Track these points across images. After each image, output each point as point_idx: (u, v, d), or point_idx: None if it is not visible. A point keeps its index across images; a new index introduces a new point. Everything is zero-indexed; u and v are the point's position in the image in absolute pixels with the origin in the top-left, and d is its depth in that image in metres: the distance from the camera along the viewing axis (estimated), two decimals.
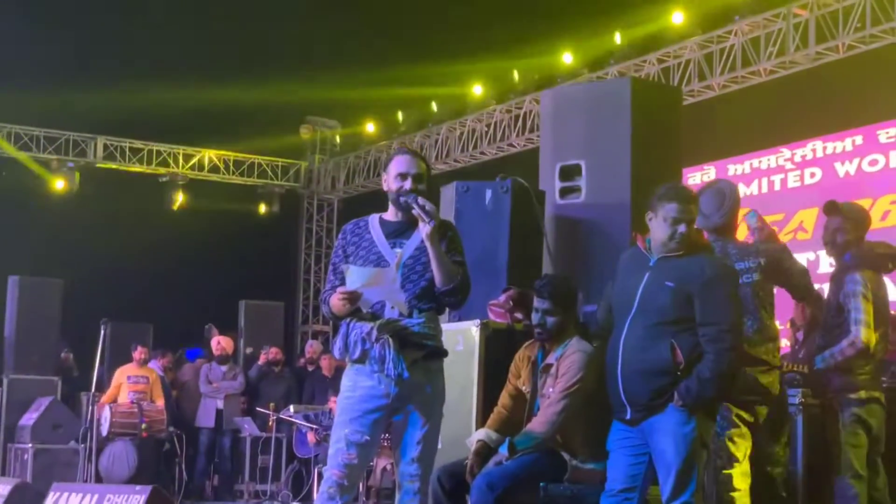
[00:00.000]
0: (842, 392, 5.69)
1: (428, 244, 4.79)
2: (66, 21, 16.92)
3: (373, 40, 17.16)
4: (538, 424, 5.31)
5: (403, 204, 4.87)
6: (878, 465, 5.78)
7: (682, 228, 4.78)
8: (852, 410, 5.68)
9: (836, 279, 5.81)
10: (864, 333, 5.60)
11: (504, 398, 5.61)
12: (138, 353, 12.73)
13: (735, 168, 14.37)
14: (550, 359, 5.40)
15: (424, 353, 4.84)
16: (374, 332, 4.77)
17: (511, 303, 5.96)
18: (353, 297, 4.75)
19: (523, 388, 5.54)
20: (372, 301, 4.82)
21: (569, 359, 5.32)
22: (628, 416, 4.86)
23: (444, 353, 4.97)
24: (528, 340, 5.64)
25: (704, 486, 5.67)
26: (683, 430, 4.71)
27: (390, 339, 4.75)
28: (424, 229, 4.76)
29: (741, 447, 5.44)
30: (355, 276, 4.77)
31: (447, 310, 5.97)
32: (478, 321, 5.86)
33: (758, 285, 5.53)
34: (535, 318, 5.44)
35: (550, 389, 5.35)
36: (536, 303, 5.44)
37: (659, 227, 4.84)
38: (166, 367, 13.31)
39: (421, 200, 4.79)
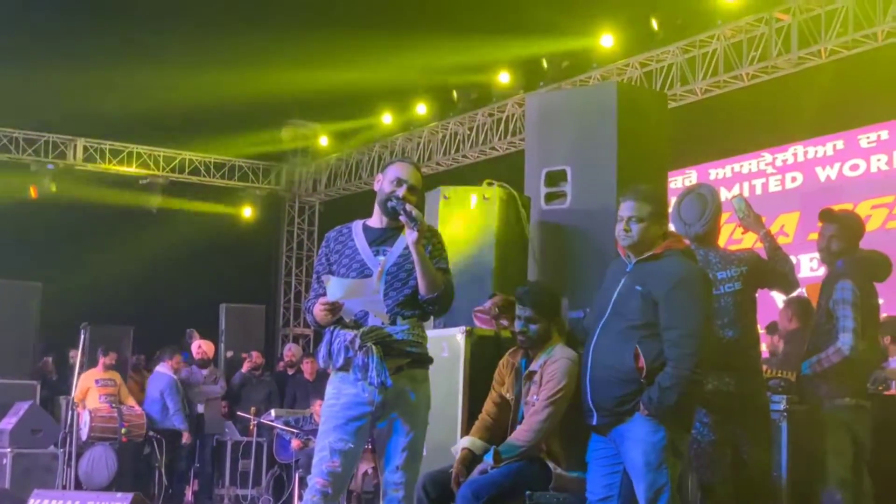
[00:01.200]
0: (828, 398, 5.69)
1: (413, 251, 4.78)
2: (46, 21, 16.79)
3: (353, 43, 17.09)
4: (523, 433, 5.30)
5: (391, 209, 4.87)
6: (863, 472, 5.77)
7: (632, 226, 4.81)
8: (838, 417, 5.67)
9: (828, 285, 5.81)
10: (852, 341, 5.60)
11: (488, 405, 5.59)
12: (108, 358, 12.66)
13: (716, 172, 14.42)
14: (534, 366, 5.39)
15: (409, 360, 4.84)
16: (358, 340, 4.78)
17: (497, 309, 5.93)
18: (334, 308, 4.77)
19: (507, 395, 5.52)
20: (354, 311, 4.83)
21: (553, 366, 5.30)
22: (595, 422, 4.87)
23: (429, 361, 4.98)
24: (513, 347, 5.62)
25: (687, 493, 5.68)
26: (652, 439, 4.70)
27: (373, 347, 4.75)
28: (411, 236, 4.76)
29: (721, 454, 5.42)
30: (335, 287, 4.79)
31: (432, 317, 5.99)
32: (463, 328, 5.83)
33: (740, 294, 5.53)
34: (517, 325, 5.43)
35: (535, 397, 5.33)
36: (518, 310, 5.43)
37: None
38: (175, 367, 13.15)
39: (409, 207, 4.78)
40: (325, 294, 4.83)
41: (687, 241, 5.65)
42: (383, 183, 4.96)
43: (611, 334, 4.81)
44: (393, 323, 4.83)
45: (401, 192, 4.86)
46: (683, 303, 4.70)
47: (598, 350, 4.85)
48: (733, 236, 11.15)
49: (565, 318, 5.83)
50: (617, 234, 4.91)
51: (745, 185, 13.97)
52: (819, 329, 5.81)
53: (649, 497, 4.70)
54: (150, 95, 17.11)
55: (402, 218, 4.77)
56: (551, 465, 5.30)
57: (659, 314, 4.70)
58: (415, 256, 4.78)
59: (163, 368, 12.51)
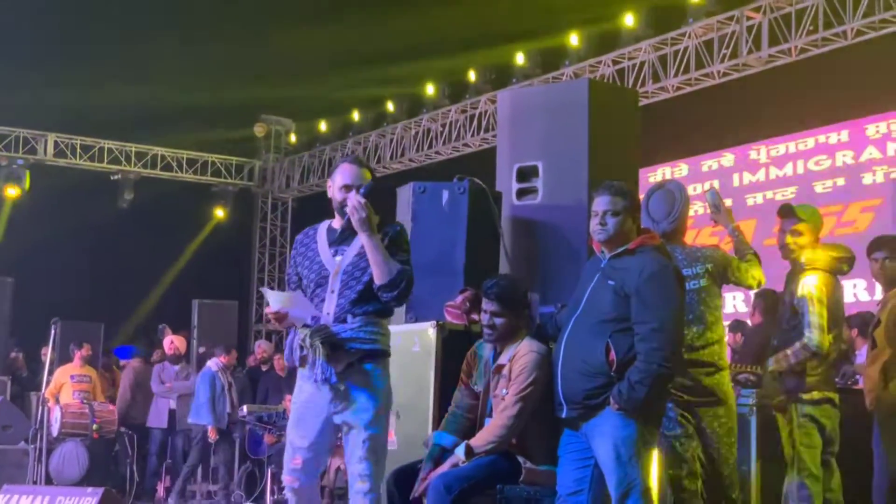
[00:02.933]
0: (796, 393, 5.73)
1: (362, 237, 4.87)
2: (15, 18, 16.69)
3: (327, 39, 17.08)
4: (494, 428, 5.31)
5: (346, 214, 4.95)
6: (832, 466, 5.83)
7: (607, 220, 4.84)
8: (806, 411, 5.72)
9: (792, 281, 5.85)
10: (818, 336, 5.65)
11: (457, 398, 5.60)
12: (84, 350, 12.59)
13: (686, 168, 14.53)
14: (503, 359, 5.40)
15: (359, 356, 4.91)
16: (308, 339, 4.91)
17: (468, 304, 5.93)
18: (278, 318, 4.94)
19: (475, 387, 5.54)
20: (306, 319, 4.98)
21: (521, 360, 5.32)
22: (564, 415, 4.88)
23: (384, 355, 5.01)
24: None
25: (664, 486, 5.71)
26: (622, 434, 4.72)
27: (320, 346, 4.87)
28: (354, 220, 4.85)
29: (688, 448, 5.47)
30: (272, 300, 5.00)
31: (402, 311, 6.03)
32: (434, 322, 5.85)
33: (704, 291, 5.58)
34: (483, 319, 5.46)
35: (504, 391, 5.35)
36: (484, 304, 5.45)
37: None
38: (226, 363, 13.03)
39: (353, 204, 4.85)
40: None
41: (658, 237, 5.72)
42: (333, 190, 5.04)
43: (583, 328, 4.84)
44: (343, 321, 4.92)
45: (352, 197, 4.91)
46: (655, 297, 4.72)
47: (569, 344, 4.88)
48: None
49: (536, 312, 5.86)
50: (592, 230, 4.93)
51: (716, 182, 14.07)
52: (785, 325, 5.85)
53: (621, 491, 4.72)
54: (121, 91, 17.05)
55: (348, 208, 4.87)
56: (521, 459, 5.32)
57: (631, 308, 4.73)
58: (365, 244, 4.88)
59: (211, 363, 12.39)
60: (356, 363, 4.90)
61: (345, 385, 4.90)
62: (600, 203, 4.90)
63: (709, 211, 6.14)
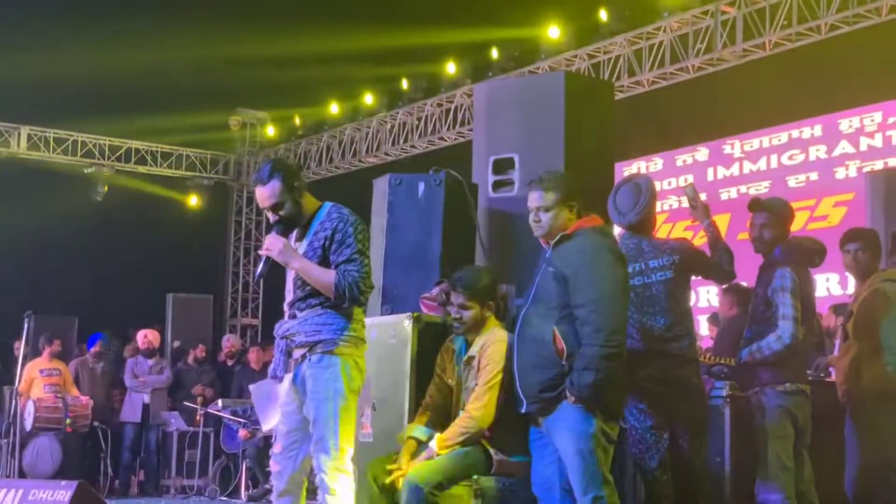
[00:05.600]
0: (769, 385, 5.75)
1: (292, 268, 4.99)
2: None
3: (302, 31, 17.03)
4: (464, 419, 5.34)
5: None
6: (803, 458, 5.85)
7: (540, 216, 4.88)
8: (779, 403, 5.75)
9: (765, 273, 5.88)
10: (792, 328, 5.67)
11: (431, 391, 5.63)
12: (54, 346, 12.54)
13: (661, 162, 14.59)
14: (472, 351, 5.44)
15: (308, 348, 4.96)
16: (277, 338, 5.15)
17: (444, 296, 5.95)
18: None
19: (449, 381, 5.56)
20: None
21: (489, 350, 5.36)
22: (523, 410, 4.88)
23: (329, 343, 4.93)
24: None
25: (631, 480, 5.74)
26: (581, 427, 4.72)
27: (281, 342, 5.06)
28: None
29: (659, 439, 5.48)
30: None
31: (378, 302, 6.05)
32: (410, 314, 5.85)
33: (671, 283, 5.59)
34: (452, 311, 5.47)
35: (474, 382, 5.37)
36: (452, 297, 5.48)
37: None
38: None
39: (265, 244, 5.00)
40: None
41: (619, 231, 5.75)
42: None
43: (532, 319, 4.86)
44: (294, 317, 5.02)
45: (273, 219, 5.01)
46: (589, 278, 4.70)
47: (521, 337, 4.90)
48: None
49: (512, 304, 5.87)
50: (531, 225, 4.95)
51: (690, 176, 14.14)
52: (758, 317, 5.87)
53: (583, 486, 4.72)
54: (95, 82, 16.93)
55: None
56: (492, 451, 5.33)
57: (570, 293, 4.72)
58: (297, 271, 4.98)
59: None
60: (307, 354, 4.94)
61: (301, 377, 4.97)
62: (532, 199, 4.94)
63: (687, 205, 6.16)
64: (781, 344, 5.69)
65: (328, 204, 5.07)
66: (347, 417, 4.91)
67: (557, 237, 4.88)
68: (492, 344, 5.37)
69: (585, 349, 4.63)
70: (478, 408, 5.29)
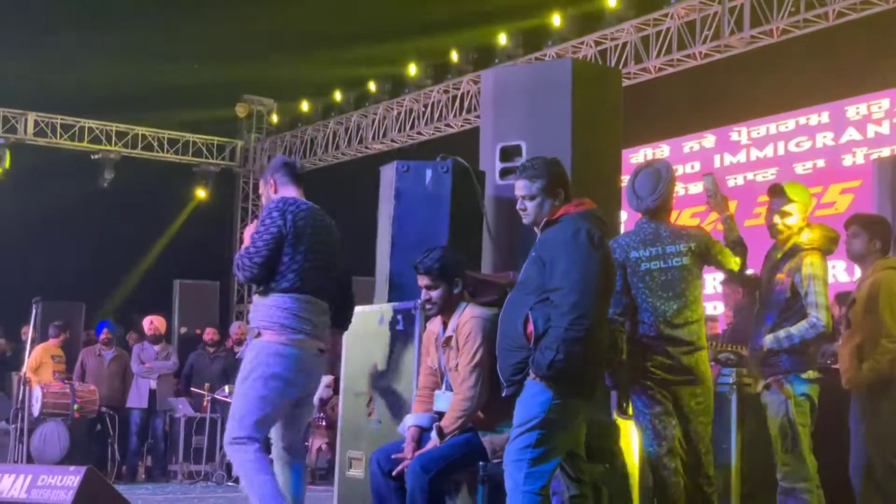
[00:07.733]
0: (793, 372, 5.71)
1: None
2: None
3: (309, 19, 17.03)
4: (457, 403, 5.32)
5: None
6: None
7: (525, 205, 4.87)
8: (803, 391, 5.73)
9: (789, 260, 5.80)
10: (825, 316, 5.66)
11: (422, 378, 5.65)
12: (64, 336, 12.58)
13: (668, 149, 14.57)
14: (448, 331, 5.44)
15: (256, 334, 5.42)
16: None
17: None
18: None
19: (433, 365, 5.57)
20: None
21: (465, 328, 5.36)
22: (504, 394, 4.83)
23: (258, 328, 5.39)
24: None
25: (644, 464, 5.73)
26: (534, 399, 4.64)
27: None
28: None
29: (667, 425, 5.47)
30: None
31: (385, 290, 6.09)
32: (418, 301, 5.86)
33: (685, 269, 5.57)
34: (422, 295, 5.50)
35: (455, 362, 5.37)
36: (419, 280, 5.50)
37: None
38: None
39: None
40: None
41: (639, 216, 5.73)
42: None
43: (511, 304, 4.84)
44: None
45: None
46: (566, 261, 4.65)
47: (502, 320, 4.88)
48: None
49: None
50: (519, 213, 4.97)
51: (697, 164, 14.13)
52: (782, 303, 5.80)
53: (514, 457, 4.67)
54: (103, 70, 16.95)
55: None
56: (481, 434, 5.31)
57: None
58: None
59: None
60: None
61: None
62: (517, 188, 4.92)
63: (706, 194, 6.11)
64: (815, 332, 5.65)
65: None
66: (254, 396, 5.30)
67: (543, 223, 4.88)
68: (466, 322, 5.37)
69: (552, 330, 4.57)
70: (467, 388, 5.29)
